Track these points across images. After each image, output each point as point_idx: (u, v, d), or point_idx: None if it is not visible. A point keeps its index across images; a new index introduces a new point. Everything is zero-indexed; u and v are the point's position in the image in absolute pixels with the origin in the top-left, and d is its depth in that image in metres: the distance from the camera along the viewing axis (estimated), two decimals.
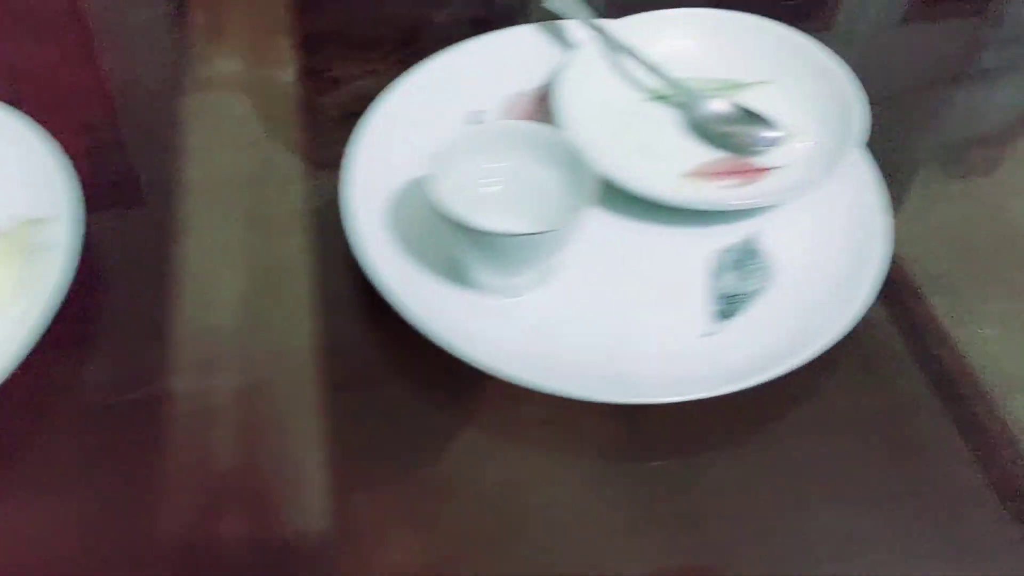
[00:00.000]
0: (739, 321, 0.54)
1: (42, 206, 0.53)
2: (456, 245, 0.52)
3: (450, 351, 0.49)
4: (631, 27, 0.66)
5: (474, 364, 0.49)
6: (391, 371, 0.53)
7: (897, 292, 0.56)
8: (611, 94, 0.64)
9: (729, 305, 0.54)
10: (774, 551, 0.46)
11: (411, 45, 0.71)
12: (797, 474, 0.49)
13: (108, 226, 0.57)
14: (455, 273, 0.54)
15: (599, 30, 0.66)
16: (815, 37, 0.65)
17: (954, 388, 0.53)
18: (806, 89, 0.63)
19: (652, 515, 0.48)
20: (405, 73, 0.64)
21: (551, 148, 0.54)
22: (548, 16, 0.69)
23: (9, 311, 0.49)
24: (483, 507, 0.48)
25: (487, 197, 0.54)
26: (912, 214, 0.62)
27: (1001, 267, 0.60)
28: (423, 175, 0.51)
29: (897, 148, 0.66)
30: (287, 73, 0.70)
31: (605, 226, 0.57)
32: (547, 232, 0.49)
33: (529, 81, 0.66)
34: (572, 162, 0.53)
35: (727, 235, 0.58)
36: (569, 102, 0.61)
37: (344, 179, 0.57)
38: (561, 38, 0.69)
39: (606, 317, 0.53)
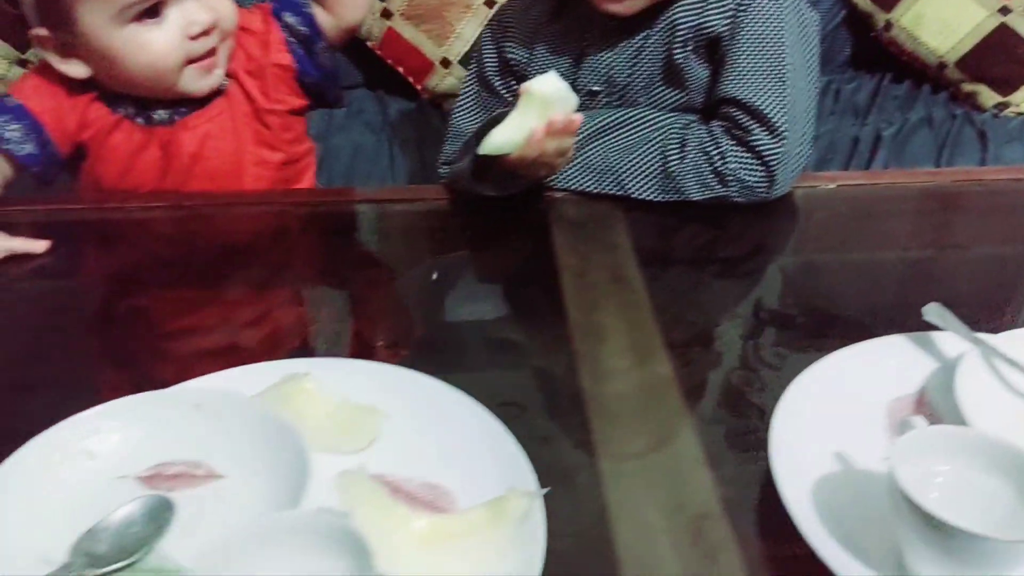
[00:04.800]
0: None
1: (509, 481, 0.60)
2: (911, 539, 0.54)
3: None
4: (1012, 340, 0.71)
5: None
6: None
7: None
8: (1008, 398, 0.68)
9: None
10: None
11: None
12: None
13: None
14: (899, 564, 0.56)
15: (979, 342, 0.70)
16: None
17: None
18: None
19: None
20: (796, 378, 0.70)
21: (993, 455, 0.56)
22: (925, 327, 0.75)
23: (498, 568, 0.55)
24: None
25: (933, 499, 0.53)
26: None
27: None
28: (890, 468, 0.54)
29: None
30: (664, 368, 0.78)
31: None
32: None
33: (909, 385, 0.71)
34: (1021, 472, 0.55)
35: None
36: (973, 403, 0.64)
37: (774, 462, 0.62)
38: (933, 348, 0.74)
39: None
